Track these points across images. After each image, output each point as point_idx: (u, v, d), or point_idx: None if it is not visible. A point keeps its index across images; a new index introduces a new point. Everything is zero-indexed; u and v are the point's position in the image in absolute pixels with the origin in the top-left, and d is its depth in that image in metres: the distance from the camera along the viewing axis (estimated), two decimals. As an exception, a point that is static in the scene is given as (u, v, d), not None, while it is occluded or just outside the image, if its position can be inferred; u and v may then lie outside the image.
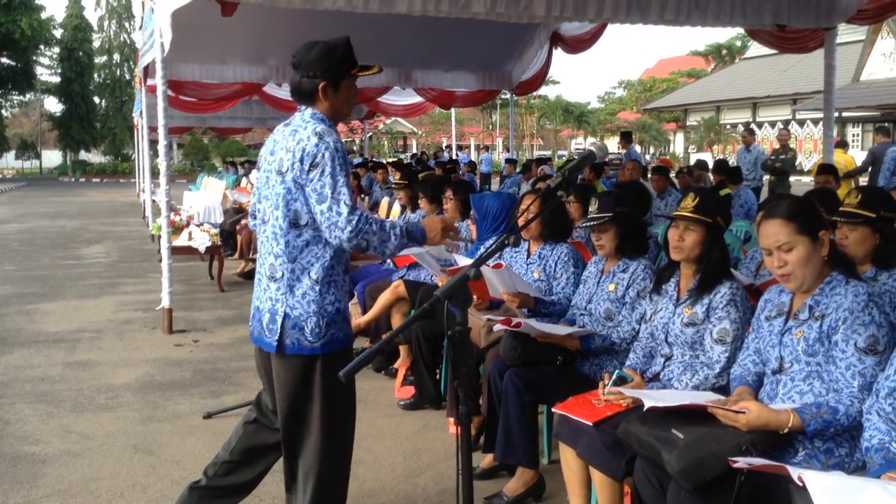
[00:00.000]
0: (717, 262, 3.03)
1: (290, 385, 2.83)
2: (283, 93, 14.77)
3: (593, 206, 3.64)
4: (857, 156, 17.06)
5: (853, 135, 32.29)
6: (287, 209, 2.75)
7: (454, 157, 20.18)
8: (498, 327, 3.70)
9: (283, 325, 2.77)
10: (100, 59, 54.86)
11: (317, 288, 2.77)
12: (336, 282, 2.81)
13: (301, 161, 2.71)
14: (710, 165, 10.98)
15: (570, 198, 5.09)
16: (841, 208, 3.08)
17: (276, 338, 2.78)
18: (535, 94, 37.96)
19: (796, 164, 14.45)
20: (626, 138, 13.87)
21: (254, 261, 9.71)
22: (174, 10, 6.29)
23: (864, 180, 14.64)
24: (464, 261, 4.52)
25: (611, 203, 3.61)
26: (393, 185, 7.64)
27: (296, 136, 2.76)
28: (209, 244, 8.88)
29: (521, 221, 3.71)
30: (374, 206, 10.52)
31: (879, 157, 13.22)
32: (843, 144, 17.02)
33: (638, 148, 48.75)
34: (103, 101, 54.82)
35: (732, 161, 16.89)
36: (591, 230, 3.66)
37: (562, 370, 3.53)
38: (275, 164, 2.80)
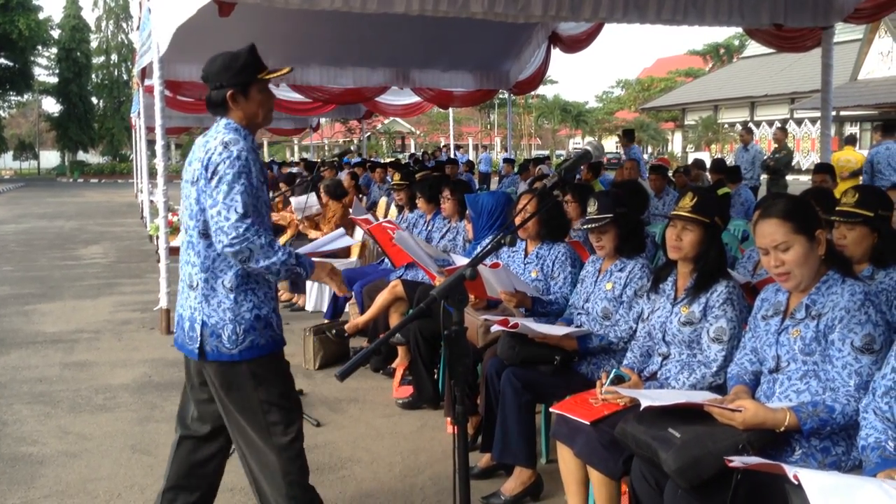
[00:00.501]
0: (715, 261, 3.03)
1: (223, 390, 2.83)
2: (281, 93, 14.74)
3: (592, 207, 3.62)
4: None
5: (850, 133, 32.29)
6: (198, 220, 2.77)
7: (451, 156, 20.15)
8: (495, 328, 3.71)
9: (202, 332, 2.79)
10: (97, 60, 54.79)
11: (231, 296, 2.77)
12: (253, 289, 2.80)
13: (206, 169, 2.73)
14: (708, 165, 11.00)
15: (567, 197, 5.09)
16: (838, 207, 3.08)
17: (197, 345, 2.79)
18: (532, 93, 37.98)
19: (793, 163, 14.47)
20: (627, 136, 13.61)
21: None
22: (179, 26, 6.31)
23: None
24: (461, 260, 4.52)
25: (610, 203, 3.60)
26: (392, 186, 7.64)
27: (206, 146, 2.78)
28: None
29: (517, 221, 3.71)
30: (372, 206, 10.53)
31: (883, 158, 13.27)
32: (852, 141, 17.03)
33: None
34: (101, 101, 54.77)
35: (730, 160, 16.89)
36: (590, 231, 3.64)
37: (559, 370, 3.53)
38: (188, 174, 2.83)
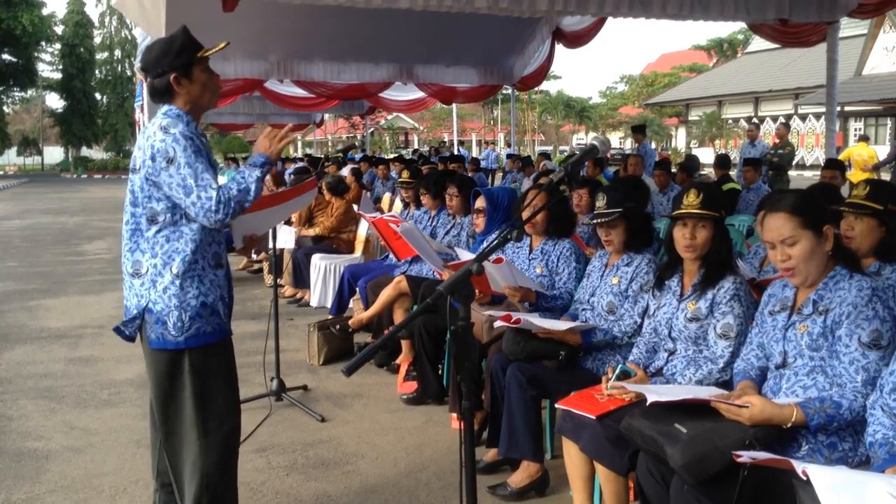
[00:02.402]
0: (725, 256, 3.02)
1: (159, 379, 2.84)
2: (285, 88, 14.78)
3: (601, 202, 3.60)
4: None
5: (855, 129, 32.21)
6: (144, 207, 2.77)
7: (455, 152, 20.14)
8: (498, 324, 3.70)
9: (146, 319, 2.79)
10: (101, 56, 54.86)
11: (177, 282, 2.77)
12: (200, 276, 2.81)
13: (153, 158, 2.72)
14: (712, 161, 10.96)
15: (582, 191, 5.09)
16: (848, 199, 3.07)
17: (134, 331, 2.82)
18: (536, 89, 37.90)
19: (795, 159, 14.48)
20: (639, 131, 13.37)
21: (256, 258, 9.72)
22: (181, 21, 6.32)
23: (885, 176, 14.71)
24: (465, 255, 4.52)
25: (619, 198, 3.58)
26: (399, 184, 7.64)
27: (146, 133, 2.79)
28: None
29: (524, 215, 3.71)
30: (377, 202, 10.53)
31: None
32: (864, 138, 17.29)
33: (642, 143, 48.81)
34: (105, 97, 54.83)
35: (735, 156, 16.87)
36: (598, 226, 3.62)
37: (564, 365, 3.52)
38: (133, 162, 2.84)
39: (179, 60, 2.80)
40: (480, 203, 4.89)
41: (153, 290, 2.78)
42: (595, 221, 3.61)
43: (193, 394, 2.82)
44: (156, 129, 2.75)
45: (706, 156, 25.89)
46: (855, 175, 15.26)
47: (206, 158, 2.76)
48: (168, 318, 2.77)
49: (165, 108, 2.84)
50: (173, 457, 2.90)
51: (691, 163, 10.82)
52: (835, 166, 7.32)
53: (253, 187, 2.79)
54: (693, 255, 3.05)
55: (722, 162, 10.12)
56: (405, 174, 7.42)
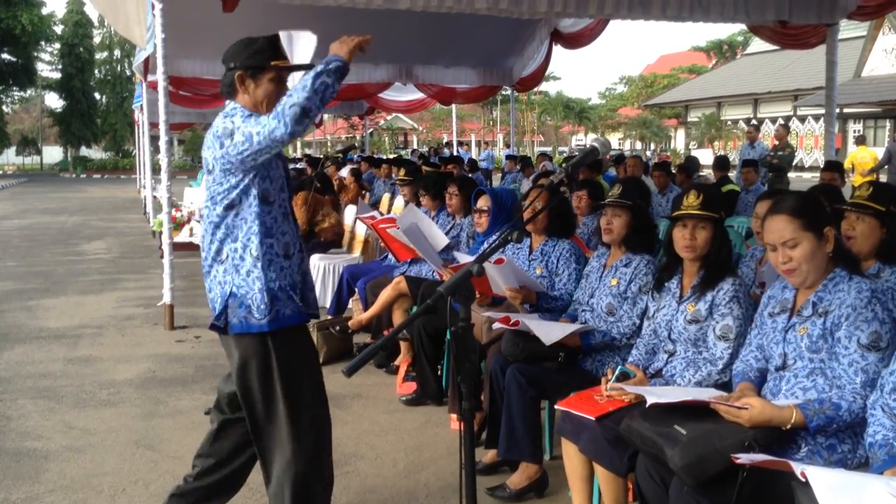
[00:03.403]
0: (724, 257, 3.03)
1: (244, 365, 2.84)
2: (284, 89, 14.75)
3: (616, 190, 3.68)
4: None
5: (854, 130, 32.25)
6: (221, 196, 2.80)
7: (455, 153, 20.15)
8: (497, 326, 3.71)
9: (228, 303, 2.81)
10: (100, 55, 54.78)
11: (258, 265, 2.80)
12: (273, 261, 2.83)
13: (221, 146, 2.74)
14: (711, 162, 10.95)
15: (581, 193, 5.11)
16: (851, 199, 3.08)
17: (223, 319, 2.82)
18: (535, 90, 37.88)
19: (794, 160, 14.54)
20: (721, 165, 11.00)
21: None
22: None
23: (882, 177, 14.84)
24: (465, 257, 4.52)
25: (635, 192, 3.68)
26: (398, 182, 7.65)
27: (214, 128, 2.81)
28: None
29: (526, 215, 3.72)
30: (376, 203, 10.53)
31: (895, 154, 13.41)
32: (861, 140, 17.44)
33: (639, 145, 48.86)
34: (104, 97, 54.77)
35: (734, 157, 16.90)
36: (605, 212, 3.67)
37: (564, 366, 3.53)
38: (205, 164, 2.87)
39: (251, 61, 2.81)
40: (483, 203, 4.88)
41: (236, 275, 2.81)
42: (605, 203, 3.67)
43: (280, 378, 2.83)
44: (221, 120, 2.79)
45: (705, 157, 25.92)
46: (857, 180, 15.35)
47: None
48: (252, 301, 2.79)
49: (231, 104, 2.84)
50: (264, 449, 2.91)
51: (691, 164, 10.83)
52: (834, 168, 7.33)
53: (319, 88, 2.63)
54: (692, 256, 3.05)
55: (721, 163, 10.13)
56: (401, 172, 7.44)
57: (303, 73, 2.80)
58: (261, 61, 2.82)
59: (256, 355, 2.83)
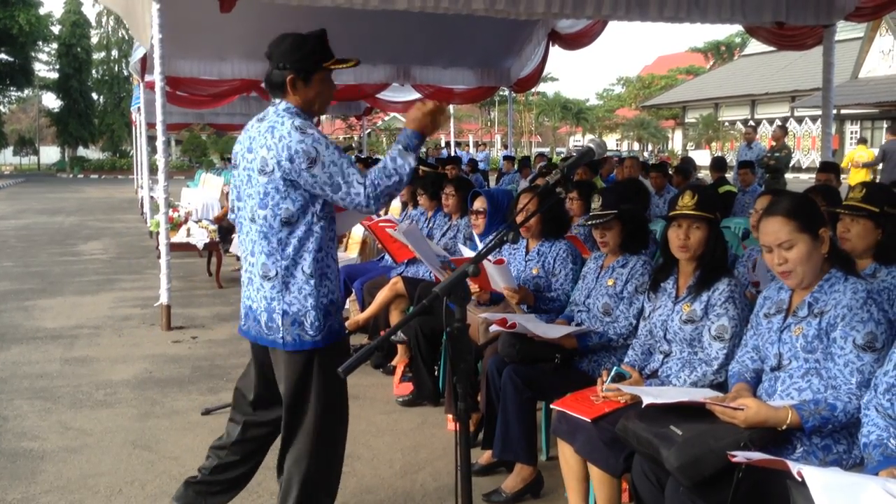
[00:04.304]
0: (719, 258, 3.03)
1: (293, 380, 2.86)
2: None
3: (596, 203, 3.61)
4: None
5: (852, 132, 32.30)
6: (277, 208, 2.75)
7: (453, 153, 20.14)
8: (493, 328, 3.71)
9: (283, 322, 2.79)
10: (98, 56, 54.77)
11: (311, 282, 2.78)
12: (327, 274, 2.84)
13: (291, 160, 2.69)
14: (708, 163, 10.96)
15: (572, 195, 5.10)
16: (845, 201, 3.09)
17: (280, 336, 2.81)
18: (533, 91, 37.89)
19: (791, 161, 14.61)
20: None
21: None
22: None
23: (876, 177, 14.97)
24: (467, 252, 4.53)
25: (614, 200, 3.60)
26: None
27: (275, 132, 2.74)
28: (207, 241, 8.87)
29: (519, 218, 3.71)
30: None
31: (890, 154, 13.50)
32: (863, 141, 17.81)
33: (636, 146, 48.89)
34: (101, 97, 54.75)
35: (731, 158, 16.94)
36: (594, 227, 3.63)
37: (560, 367, 3.53)
38: (255, 162, 2.78)
39: (303, 64, 2.79)
40: (480, 204, 4.88)
41: (286, 293, 2.79)
42: (590, 223, 3.61)
43: (323, 389, 2.85)
44: (290, 129, 2.71)
45: (703, 158, 25.95)
46: (853, 176, 15.43)
47: (345, 154, 2.77)
48: (305, 318, 2.78)
49: (283, 104, 2.81)
50: (286, 447, 2.94)
51: (687, 165, 10.83)
52: (830, 170, 7.33)
53: (406, 176, 2.77)
54: (687, 256, 3.06)
55: (718, 164, 10.13)
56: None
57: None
58: (312, 64, 2.80)
59: (305, 370, 2.84)
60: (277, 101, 2.85)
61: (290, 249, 2.77)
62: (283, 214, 2.75)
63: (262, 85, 2.91)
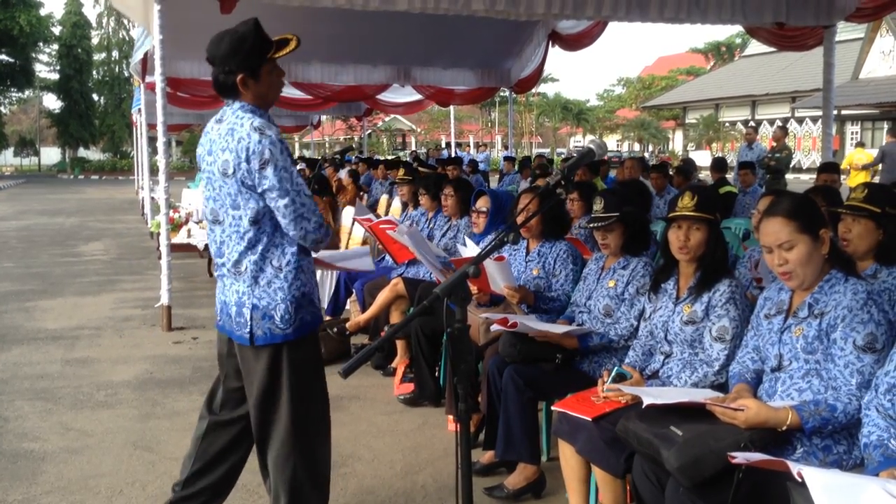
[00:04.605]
0: (719, 259, 3.03)
1: (261, 375, 2.84)
2: (283, 91, 14.75)
3: (598, 205, 3.60)
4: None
5: (852, 132, 32.30)
6: (244, 208, 2.76)
7: (453, 154, 20.14)
8: (495, 327, 3.70)
9: (252, 316, 2.79)
10: (98, 56, 54.81)
11: (281, 275, 2.79)
12: (301, 266, 2.83)
13: (248, 161, 2.69)
14: (709, 163, 10.95)
15: (572, 195, 5.10)
16: (847, 202, 3.09)
17: (247, 330, 2.80)
18: (534, 91, 37.90)
19: (792, 162, 14.63)
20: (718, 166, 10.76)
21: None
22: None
23: (875, 177, 15.04)
24: (467, 251, 4.53)
25: (616, 202, 3.58)
26: (397, 181, 7.66)
27: (234, 134, 2.74)
28: (208, 241, 8.88)
29: (520, 219, 3.71)
30: (374, 204, 10.53)
31: (890, 155, 13.54)
32: (860, 145, 18.01)
33: (637, 146, 48.88)
34: (102, 98, 54.79)
35: (732, 159, 16.95)
36: (595, 229, 3.62)
37: (561, 368, 3.53)
38: (216, 165, 2.78)
39: (249, 61, 2.78)
40: (483, 203, 4.89)
41: (255, 287, 2.79)
42: (591, 225, 3.61)
43: (293, 383, 2.84)
44: (248, 130, 2.71)
45: (703, 159, 25.95)
46: (852, 178, 15.46)
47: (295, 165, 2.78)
48: (275, 311, 2.78)
49: (238, 104, 2.81)
50: (262, 447, 2.91)
51: (688, 166, 10.84)
52: (831, 170, 7.32)
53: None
54: (687, 257, 3.06)
55: (718, 165, 10.13)
56: (401, 171, 7.43)
57: None
58: (258, 59, 2.80)
59: (274, 365, 2.82)
60: (231, 101, 2.85)
61: (259, 246, 2.78)
62: (250, 214, 2.76)
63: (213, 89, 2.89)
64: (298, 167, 13.28)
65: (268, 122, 2.78)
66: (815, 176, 7.88)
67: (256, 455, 2.99)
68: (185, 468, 3.10)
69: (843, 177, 12.28)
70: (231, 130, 2.75)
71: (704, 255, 3.04)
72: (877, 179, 15.47)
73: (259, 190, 2.72)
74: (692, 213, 3.00)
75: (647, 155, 40.67)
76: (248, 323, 2.80)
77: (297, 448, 2.86)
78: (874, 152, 16.62)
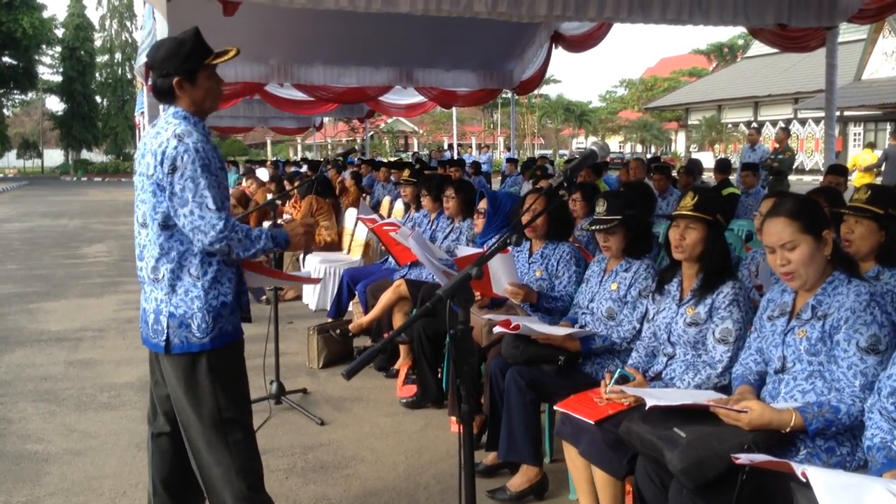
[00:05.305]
0: (720, 261, 3.03)
1: (181, 383, 2.81)
2: (285, 92, 14.79)
3: (601, 208, 3.59)
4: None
5: (855, 134, 32.26)
6: (155, 211, 2.75)
7: (455, 156, 20.18)
8: (497, 329, 3.70)
9: (169, 324, 2.77)
10: (101, 59, 54.94)
11: (198, 284, 2.76)
12: (217, 276, 2.80)
13: (161, 164, 2.69)
14: (712, 165, 10.94)
15: (575, 196, 5.10)
16: (850, 202, 3.09)
17: (163, 338, 2.78)
18: (536, 93, 37.89)
19: (795, 163, 14.62)
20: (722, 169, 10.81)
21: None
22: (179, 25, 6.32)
23: (878, 179, 15.05)
24: (468, 251, 4.53)
25: (619, 205, 3.58)
26: (401, 182, 7.67)
27: (158, 138, 2.75)
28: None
29: (524, 220, 3.71)
30: (377, 206, 10.53)
31: (892, 158, 13.52)
32: (869, 145, 17.99)
33: (639, 148, 48.86)
34: (105, 100, 54.92)
35: (735, 160, 16.94)
36: (597, 232, 3.62)
37: (564, 369, 3.53)
38: (142, 166, 2.79)
39: (185, 66, 2.78)
40: (482, 205, 4.91)
41: (173, 295, 2.77)
42: (594, 227, 3.61)
43: (214, 392, 2.80)
44: (169, 136, 2.71)
45: (706, 160, 25.93)
46: (858, 179, 15.47)
47: (214, 175, 2.71)
48: (192, 320, 2.75)
49: (172, 110, 2.81)
50: (204, 466, 2.84)
51: (694, 167, 10.85)
52: (837, 172, 7.30)
53: (256, 249, 2.78)
54: (682, 256, 3.06)
55: (722, 166, 10.12)
56: (406, 173, 7.43)
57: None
58: (196, 63, 2.79)
59: (193, 373, 2.79)
60: (167, 106, 2.84)
61: (173, 252, 2.76)
62: (160, 218, 2.74)
63: (153, 94, 2.88)
64: (301, 169, 13.20)
65: (192, 129, 2.74)
66: (816, 177, 7.87)
67: (195, 468, 2.88)
68: (150, 483, 3.06)
69: (850, 176, 12.29)
70: (157, 134, 2.77)
71: (703, 256, 3.04)
72: (878, 181, 15.48)
73: (173, 198, 2.71)
74: (688, 213, 3.01)
75: (648, 156, 40.66)
76: (165, 331, 2.77)
77: (238, 465, 2.81)
78: (879, 153, 16.65)
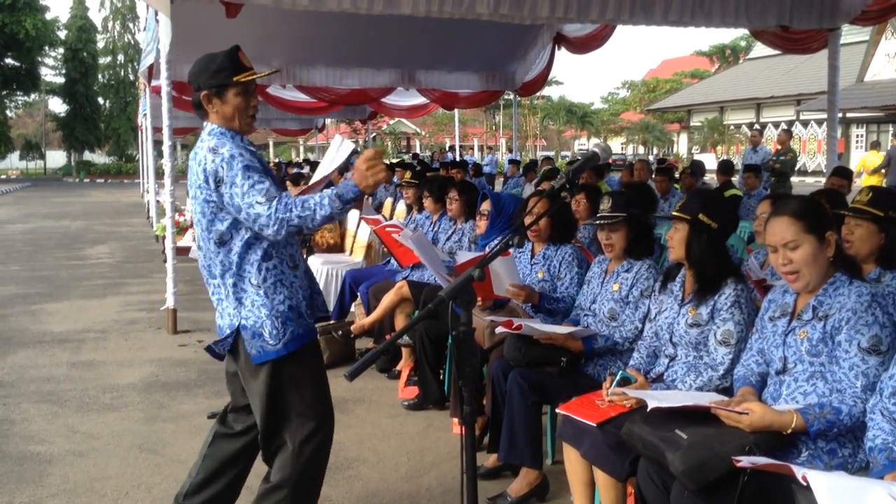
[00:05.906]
0: (716, 264, 3.01)
1: (263, 393, 2.84)
2: (287, 94, 14.80)
3: (606, 205, 3.64)
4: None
5: (857, 135, 32.23)
6: (209, 231, 2.78)
7: (457, 157, 20.16)
8: (500, 330, 3.71)
9: (242, 337, 2.81)
10: (104, 60, 54.96)
11: (260, 291, 2.78)
12: (282, 280, 2.82)
13: (206, 182, 2.72)
14: (714, 166, 10.95)
15: (579, 196, 5.11)
16: (851, 204, 3.10)
17: (224, 348, 2.85)
18: (538, 94, 37.90)
19: (797, 165, 14.62)
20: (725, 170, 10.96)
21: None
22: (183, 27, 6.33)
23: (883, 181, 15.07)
24: (467, 256, 4.53)
25: (624, 203, 3.62)
26: (403, 183, 7.67)
27: (196, 157, 2.79)
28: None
29: (526, 221, 3.72)
30: (379, 207, 10.53)
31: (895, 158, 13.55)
32: (876, 146, 17.96)
33: (641, 149, 48.83)
34: (107, 101, 54.95)
35: (736, 162, 16.95)
36: (600, 228, 3.65)
37: (565, 371, 3.53)
38: (192, 181, 2.82)
39: (213, 80, 2.79)
40: (485, 206, 4.92)
41: (241, 308, 2.80)
42: (598, 223, 3.63)
43: (293, 403, 2.85)
44: (206, 153, 2.74)
45: (708, 162, 25.93)
46: (865, 181, 15.49)
47: (258, 171, 2.72)
48: (263, 329, 2.78)
49: (208, 127, 2.84)
50: (269, 457, 2.92)
51: (697, 168, 10.87)
52: (842, 174, 7.29)
53: (319, 220, 2.67)
54: (674, 256, 3.10)
55: (725, 168, 10.13)
56: (407, 174, 7.44)
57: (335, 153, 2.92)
58: (223, 79, 2.80)
59: (275, 381, 2.83)
60: (206, 123, 2.87)
61: (233, 267, 2.79)
62: (214, 237, 2.78)
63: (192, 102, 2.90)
64: (304, 170, 13.27)
65: (227, 141, 2.76)
66: (819, 179, 7.88)
67: (263, 459, 2.98)
68: (190, 477, 3.12)
69: (858, 179, 12.30)
70: (195, 155, 2.81)
71: (688, 256, 3.04)
72: (885, 184, 15.49)
73: (225, 209, 2.74)
74: (676, 213, 3.05)
75: (651, 158, 40.64)
76: (240, 342, 2.82)
77: (298, 477, 2.85)
78: (884, 154, 16.65)
